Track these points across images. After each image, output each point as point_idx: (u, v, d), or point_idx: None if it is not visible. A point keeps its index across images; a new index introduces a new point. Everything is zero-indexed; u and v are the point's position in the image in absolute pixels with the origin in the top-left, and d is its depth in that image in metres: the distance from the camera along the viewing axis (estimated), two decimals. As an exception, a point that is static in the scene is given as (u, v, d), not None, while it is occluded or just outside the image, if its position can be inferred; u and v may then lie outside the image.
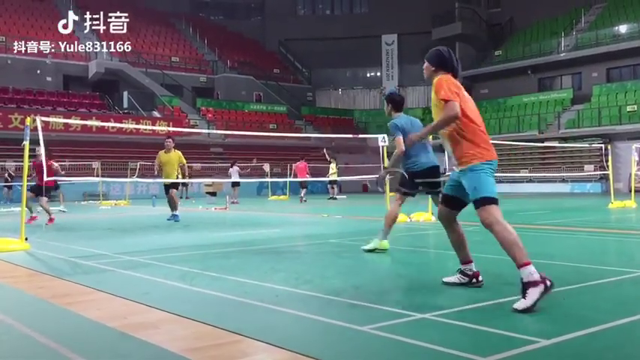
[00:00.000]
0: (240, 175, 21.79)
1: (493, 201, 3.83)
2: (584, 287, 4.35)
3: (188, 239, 8.40)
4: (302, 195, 21.75)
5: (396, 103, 6.38)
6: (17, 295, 4.51)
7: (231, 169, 21.61)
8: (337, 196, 23.17)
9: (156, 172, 12.12)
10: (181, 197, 24.82)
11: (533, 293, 3.49)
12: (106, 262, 5.92)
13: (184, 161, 11.91)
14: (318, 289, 4.37)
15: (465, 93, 4.04)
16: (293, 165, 23.87)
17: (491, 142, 4.08)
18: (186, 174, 12.36)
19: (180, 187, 26.50)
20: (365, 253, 6.29)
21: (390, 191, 11.14)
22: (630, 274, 4.86)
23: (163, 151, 11.81)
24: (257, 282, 4.65)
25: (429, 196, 6.57)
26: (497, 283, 4.68)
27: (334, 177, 22.02)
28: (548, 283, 3.57)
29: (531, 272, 3.56)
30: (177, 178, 11.88)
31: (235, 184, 21.12)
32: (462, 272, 4.35)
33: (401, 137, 6.00)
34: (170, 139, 11.95)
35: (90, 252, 6.81)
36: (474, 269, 4.31)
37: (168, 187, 11.86)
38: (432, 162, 6.30)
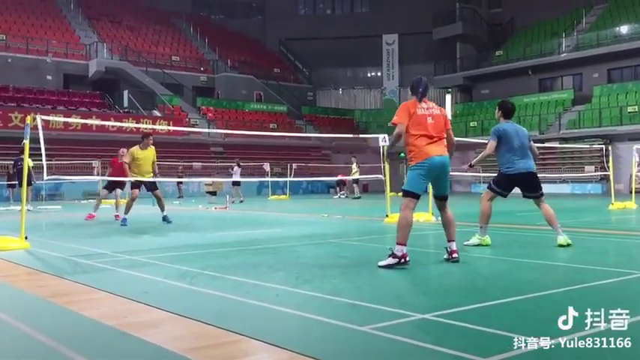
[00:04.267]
0: (241, 175, 21.87)
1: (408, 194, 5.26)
2: (585, 288, 4.33)
3: (188, 238, 8.38)
4: (338, 192, 26.01)
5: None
6: (17, 294, 4.51)
7: (236, 168, 21.64)
8: (341, 195, 23.48)
9: (126, 170, 10.82)
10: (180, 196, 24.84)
11: (390, 260, 5.05)
12: (105, 261, 5.91)
13: (156, 159, 10.90)
14: (318, 288, 4.36)
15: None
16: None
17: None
18: (156, 172, 11.16)
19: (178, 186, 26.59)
20: (363, 253, 6.26)
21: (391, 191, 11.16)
22: (631, 275, 4.85)
23: (138, 147, 10.69)
24: (257, 281, 4.64)
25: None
26: (496, 283, 4.68)
27: (357, 175, 23.13)
28: (403, 260, 5.03)
29: (402, 249, 5.05)
30: (154, 176, 11.02)
31: (236, 184, 21.20)
32: (445, 249, 5.44)
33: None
34: (151, 136, 10.91)
35: (89, 251, 6.80)
36: (454, 247, 5.38)
37: (149, 187, 10.96)
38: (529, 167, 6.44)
